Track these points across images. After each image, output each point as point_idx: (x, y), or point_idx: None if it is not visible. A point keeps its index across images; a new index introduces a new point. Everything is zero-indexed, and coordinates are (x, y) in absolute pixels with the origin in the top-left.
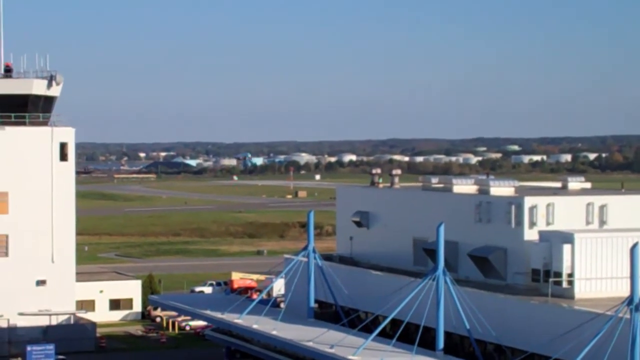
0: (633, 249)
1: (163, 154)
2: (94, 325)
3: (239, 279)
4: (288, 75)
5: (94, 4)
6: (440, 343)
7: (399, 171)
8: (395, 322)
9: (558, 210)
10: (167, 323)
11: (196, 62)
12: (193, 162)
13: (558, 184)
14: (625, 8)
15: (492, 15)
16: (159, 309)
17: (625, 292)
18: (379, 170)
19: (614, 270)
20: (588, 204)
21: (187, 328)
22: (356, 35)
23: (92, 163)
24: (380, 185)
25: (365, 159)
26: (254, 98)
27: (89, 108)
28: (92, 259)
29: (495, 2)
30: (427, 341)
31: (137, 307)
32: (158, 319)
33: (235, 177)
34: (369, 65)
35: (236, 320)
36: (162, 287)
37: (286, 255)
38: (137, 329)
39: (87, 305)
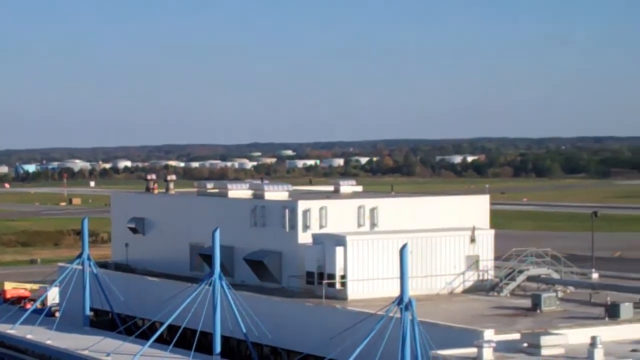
0: (402, 249)
1: None
2: None
3: (11, 288)
4: (59, 80)
5: None
6: (218, 347)
7: (173, 177)
8: (172, 328)
9: (331, 213)
10: None
11: None
12: None
13: (331, 188)
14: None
15: (278, 24)
16: None
17: (396, 292)
18: (153, 176)
19: (385, 271)
20: (359, 207)
21: None
22: (115, 41)
23: None
24: (156, 191)
25: (140, 165)
26: (26, 103)
27: None
28: None
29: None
30: (204, 346)
31: None
32: None
33: (7, 185)
34: (140, 68)
35: (9, 331)
36: None
37: (60, 264)
38: None
39: None
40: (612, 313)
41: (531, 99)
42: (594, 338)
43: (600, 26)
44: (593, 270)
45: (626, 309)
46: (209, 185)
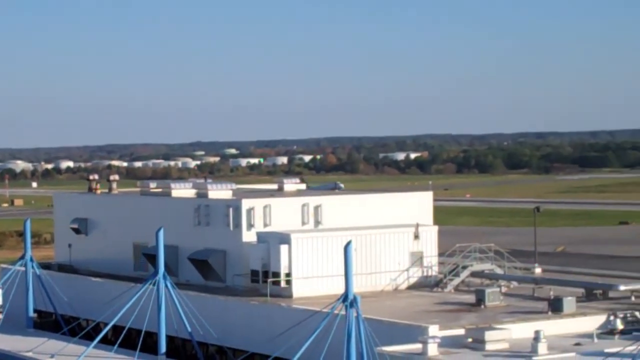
0: (346, 247)
1: None
2: None
3: None
4: None
5: None
6: (163, 347)
7: (116, 176)
8: (117, 328)
9: (275, 211)
10: None
11: None
12: None
13: (275, 186)
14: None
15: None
16: None
17: (341, 289)
18: (96, 176)
19: (330, 268)
20: (303, 205)
21: None
22: (54, 39)
23: None
24: (98, 191)
25: (82, 165)
26: None
27: None
28: None
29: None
30: (149, 346)
31: None
32: None
33: None
34: (80, 68)
35: None
36: None
37: (3, 265)
38: None
39: None
40: (555, 307)
41: (472, 95)
42: (537, 332)
43: (541, 22)
44: (536, 265)
45: (569, 303)
46: (152, 184)
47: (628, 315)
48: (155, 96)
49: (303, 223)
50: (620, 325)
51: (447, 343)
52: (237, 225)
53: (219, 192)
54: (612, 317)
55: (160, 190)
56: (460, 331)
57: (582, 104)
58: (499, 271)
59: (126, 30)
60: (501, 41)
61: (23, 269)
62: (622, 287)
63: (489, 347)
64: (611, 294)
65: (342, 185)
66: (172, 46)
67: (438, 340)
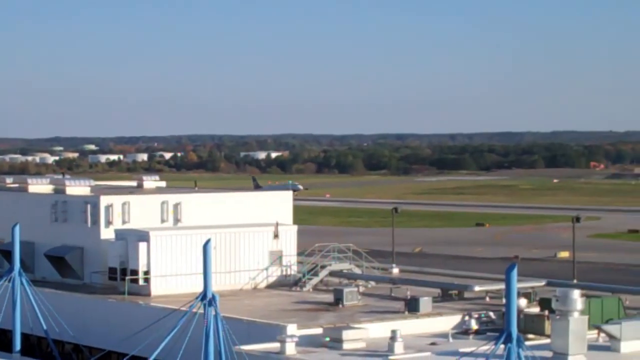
0: (205, 245)
1: None
2: None
3: None
4: None
5: None
6: (18, 345)
7: None
8: None
9: (134, 208)
10: None
11: None
12: None
13: (134, 183)
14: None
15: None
16: None
17: (200, 287)
18: None
19: (189, 266)
20: (163, 203)
21: None
22: None
23: None
24: None
25: None
26: None
27: None
28: None
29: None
30: (4, 343)
31: None
32: None
33: None
34: None
35: None
36: None
37: None
38: None
39: None
40: (411, 307)
41: (335, 96)
42: (394, 332)
43: (406, 25)
44: (394, 265)
45: (425, 303)
46: (9, 179)
47: (482, 315)
48: (13, 89)
49: (162, 221)
50: (474, 326)
51: (305, 342)
52: (95, 222)
53: (77, 188)
54: (467, 318)
55: (16, 185)
56: (318, 330)
57: (441, 106)
58: (357, 271)
59: None
60: (361, 44)
61: None
62: (477, 288)
63: (346, 346)
64: (466, 295)
65: (300, 187)
66: (30, 40)
67: (296, 339)
